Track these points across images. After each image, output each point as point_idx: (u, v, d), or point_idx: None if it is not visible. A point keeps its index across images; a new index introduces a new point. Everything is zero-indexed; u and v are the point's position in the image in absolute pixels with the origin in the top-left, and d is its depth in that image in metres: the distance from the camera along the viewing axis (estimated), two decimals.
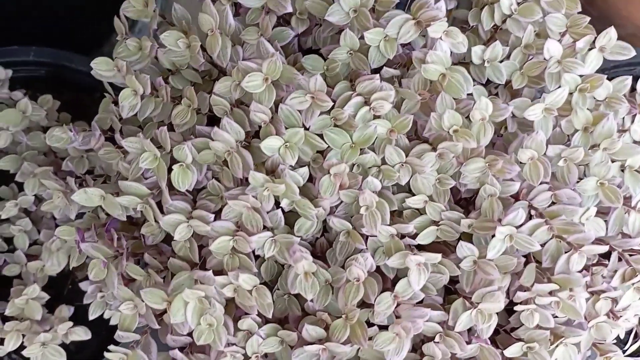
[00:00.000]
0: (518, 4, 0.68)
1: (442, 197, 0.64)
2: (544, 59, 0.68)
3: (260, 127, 0.64)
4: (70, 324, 0.72)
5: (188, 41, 0.67)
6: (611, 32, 0.67)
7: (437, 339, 0.60)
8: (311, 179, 0.65)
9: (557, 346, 0.64)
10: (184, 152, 0.62)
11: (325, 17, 0.66)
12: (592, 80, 0.68)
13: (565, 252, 0.60)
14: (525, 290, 0.61)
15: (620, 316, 0.65)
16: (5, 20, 0.98)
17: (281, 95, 0.64)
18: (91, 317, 0.68)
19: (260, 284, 0.62)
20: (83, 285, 0.68)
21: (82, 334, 0.74)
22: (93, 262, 0.65)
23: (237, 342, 0.63)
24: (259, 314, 0.63)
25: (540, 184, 0.63)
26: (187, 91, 0.66)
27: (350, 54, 0.67)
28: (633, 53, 0.69)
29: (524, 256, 0.63)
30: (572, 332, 0.64)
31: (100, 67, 0.69)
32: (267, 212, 0.63)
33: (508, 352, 0.64)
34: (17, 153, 0.80)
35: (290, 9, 0.68)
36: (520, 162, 0.63)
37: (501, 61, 0.68)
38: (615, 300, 0.64)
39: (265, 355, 0.65)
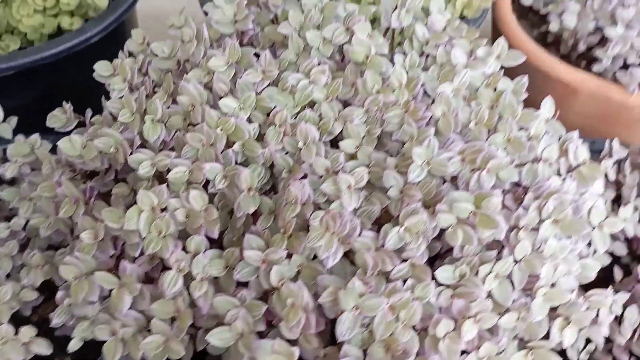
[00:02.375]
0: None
1: (371, 144, 0.76)
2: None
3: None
4: (33, 333, 0.73)
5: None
6: (502, 42, 0.87)
7: (368, 251, 0.66)
8: (262, 138, 0.78)
9: (487, 275, 0.68)
10: (155, 105, 0.77)
11: (279, 30, 0.87)
12: (494, 76, 0.85)
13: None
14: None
15: (542, 250, 0.70)
16: None
17: (239, 74, 0.81)
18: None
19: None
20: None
21: (44, 348, 0.73)
22: (65, 201, 0.74)
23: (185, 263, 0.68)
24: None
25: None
26: (165, 78, 0.84)
27: (297, 55, 0.86)
28: (523, 59, 0.88)
29: None
30: (501, 263, 0.69)
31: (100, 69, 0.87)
32: (221, 152, 0.74)
33: (440, 276, 0.68)
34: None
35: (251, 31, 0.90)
36: (435, 119, 0.77)
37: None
38: (536, 230, 0.71)
39: (212, 280, 0.69)
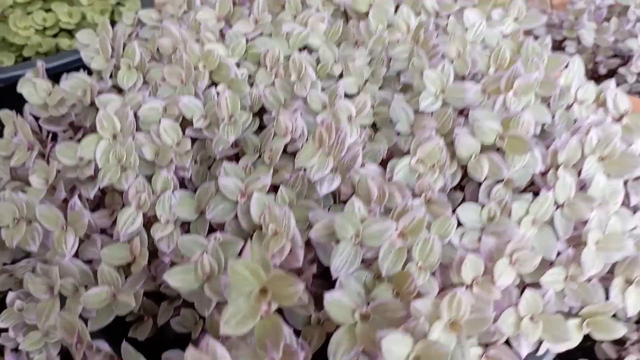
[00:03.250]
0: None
1: (376, 84, 0.66)
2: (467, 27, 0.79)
3: None
4: None
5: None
6: (520, 3, 0.80)
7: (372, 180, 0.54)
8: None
9: (522, 218, 0.55)
10: (132, 49, 0.69)
11: None
12: (514, 34, 0.77)
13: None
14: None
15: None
16: None
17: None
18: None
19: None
20: None
21: None
22: (18, 148, 0.64)
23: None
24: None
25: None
26: (151, 40, 0.77)
27: (294, 17, 0.79)
28: (543, 20, 0.80)
29: None
30: (540, 203, 0.56)
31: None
32: (202, 92, 0.65)
33: (464, 217, 0.55)
34: None
35: None
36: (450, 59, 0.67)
37: None
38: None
39: (182, 226, 0.57)
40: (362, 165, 0.56)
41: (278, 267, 0.48)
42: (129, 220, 0.54)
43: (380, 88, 0.66)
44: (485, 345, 0.51)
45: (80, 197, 0.59)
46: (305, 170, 0.55)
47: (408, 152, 0.58)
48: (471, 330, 0.43)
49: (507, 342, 0.52)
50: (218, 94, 0.63)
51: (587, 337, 0.89)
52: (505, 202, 0.56)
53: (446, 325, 0.43)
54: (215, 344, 0.41)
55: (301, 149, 0.53)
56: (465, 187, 0.63)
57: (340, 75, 0.68)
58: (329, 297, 0.44)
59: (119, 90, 0.70)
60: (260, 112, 0.67)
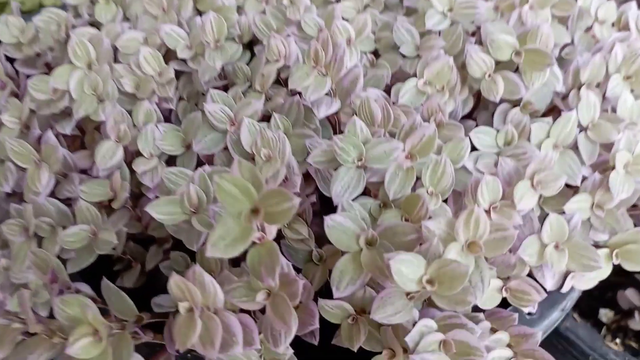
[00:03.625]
0: None
1: (377, 7, 0.60)
2: None
3: None
4: None
5: None
6: None
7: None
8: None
9: (542, 141, 0.50)
10: None
11: None
12: None
13: None
14: None
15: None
16: None
17: None
18: None
19: None
20: None
21: None
22: None
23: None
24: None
25: None
26: None
27: None
28: None
29: None
30: (561, 124, 0.51)
31: None
32: (187, 21, 0.60)
33: (478, 141, 0.50)
34: None
35: None
36: None
37: None
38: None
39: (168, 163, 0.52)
40: (365, 90, 0.51)
41: None
42: (108, 154, 0.50)
43: (381, 13, 0.61)
44: (506, 279, 0.46)
45: (57, 136, 0.54)
46: (300, 94, 0.50)
47: (414, 76, 0.53)
48: (492, 251, 0.38)
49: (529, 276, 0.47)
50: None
51: (608, 287, 0.84)
52: (524, 124, 0.51)
53: (463, 246, 0.38)
54: (202, 272, 0.36)
55: (295, 68, 0.48)
56: (477, 117, 0.58)
57: (338, 1, 0.62)
58: (330, 221, 0.40)
59: (98, 28, 0.65)
60: (251, 45, 0.62)
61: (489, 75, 0.51)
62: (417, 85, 0.51)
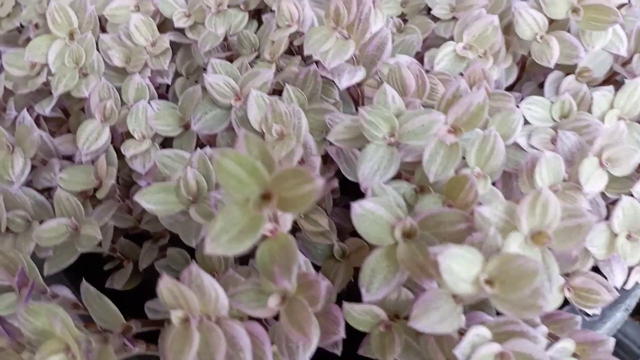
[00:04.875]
0: None
1: None
2: None
3: None
4: None
5: None
6: None
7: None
8: None
9: (606, 113, 0.43)
10: None
11: None
12: None
13: None
14: None
15: None
16: None
17: None
18: None
19: None
20: None
21: None
22: None
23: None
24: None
25: None
26: None
27: None
28: None
29: None
30: (627, 91, 0.43)
31: None
32: None
33: (529, 113, 0.43)
34: None
35: None
36: None
37: None
38: None
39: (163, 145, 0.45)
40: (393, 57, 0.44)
41: None
42: (92, 136, 0.43)
43: None
44: (566, 275, 0.39)
45: (38, 118, 0.48)
46: (317, 64, 0.43)
47: (451, 40, 0.46)
48: (563, 243, 0.31)
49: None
50: None
51: None
52: (583, 94, 0.44)
53: (527, 237, 0.31)
54: (201, 272, 0.30)
55: (311, 31, 0.41)
56: (522, 90, 0.51)
57: None
58: (359, 208, 0.33)
59: None
60: (259, 14, 0.55)
61: (541, 37, 0.44)
62: (456, 50, 0.44)
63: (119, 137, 0.46)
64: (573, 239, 0.32)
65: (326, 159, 0.44)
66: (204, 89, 0.45)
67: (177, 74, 0.53)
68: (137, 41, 0.48)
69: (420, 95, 0.41)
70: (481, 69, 0.42)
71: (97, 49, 0.48)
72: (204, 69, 0.52)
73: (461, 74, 0.44)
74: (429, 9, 0.51)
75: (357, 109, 0.47)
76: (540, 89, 0.50)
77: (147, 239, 0.48)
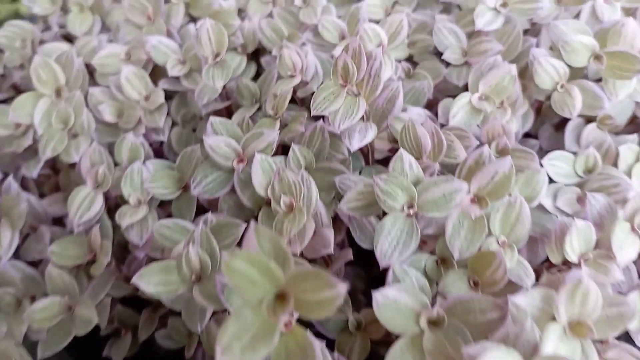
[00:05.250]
0: None
1: (408, 4, 0.51)
2: None
3: None
4: None
5: None
6: None
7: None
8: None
9: (633, 165, 0.41)
10: None
11: None
12: None
13: None
14: None
15: None
16: None
17: None
18: None
19: None
20: None
21: None
22: None
23: None
24: None
25: None
26: None
27: None
28: None
29: None
30: None
31: None
32: (178, 30, 0.50)
33: (552, 170, 0.41)
34: None
35: None
36: None
37: None
38: None
39: (161, 208, 0.42)
40: (404, 110, 0.42)
41: (299, 258, 0.34)
42: (84, 204, 0.40)
43: (413, 11, 0.51)
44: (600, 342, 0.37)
45: (24, 179, 0.45)
46: (324, 119, 0.41)
47: (465, 88, 0.43)
48: (604, 333, 0.29)
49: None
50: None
51: None
52: (607, 145, 0.41)
53: (566, 328, 0.29)
54: None
55: (319, 89, 0.38)
56: (538, 134, 0.48)
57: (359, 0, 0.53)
58: (381, 297, 0.30)
59: (72, 42, 0.55)
60: (257, 55, 0.52)
61: (562, 86, 0.41)
62: (472, 102, 0.41)
63: (113, 200, 0.43)
64: (615, 328, 0.29)
65: (335, 217, 0.41)
66: (201, 142, 0.42)
67: (172, 123, 0.50)
68: (129, 95, 0.45)
69: (437, 156, 0.38)
70: (501, 124, 0.39)
71: (87, 104, 0.45)
72: (201, 118, 0.49)
73: (478, 126, 0.42)
74: (437, 49, 0.48)
75: (367, 163, 0.45)
76: (557, 132, 0.48)
77: (146, 304, 0.46)
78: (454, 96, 0.46)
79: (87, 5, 0.54)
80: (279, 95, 0.42)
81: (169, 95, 0.51)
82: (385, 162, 0.46)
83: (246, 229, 0.37)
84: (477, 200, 0.34)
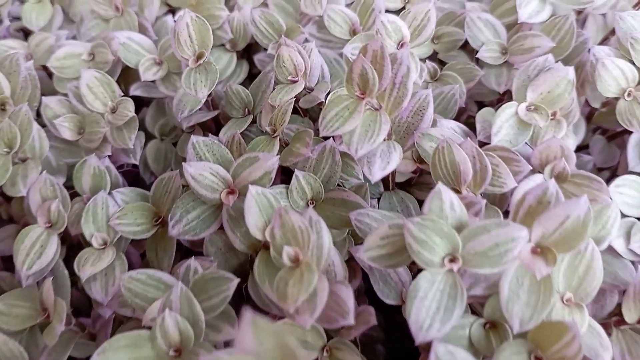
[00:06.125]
0: None
1: None
2: None
3: None
4: None
5: None
6: None
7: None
8: None
9: None
10: None
11: None
12: None
13: None
14: None
15: None
16: None
17: None
18: None
19: None
20: None
21: None
22: None
23: None
24: None
25: None
26: None
27: None
28: None
29: None
30: None
31: None
32: (152, 24, 0.42)
33: (618, 195, 0.32)
34: None
35: None
36: None
37: None
38: None
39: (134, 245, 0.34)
40: (434, 123, 0.34)
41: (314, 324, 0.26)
42: (35, 250, 0.32)
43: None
44: None
45: None
46: (334, 138, 0.33)
47: (505, 96, 0.35)
48: None
49: None
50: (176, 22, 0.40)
51: None
52: None
53: None
54: None
55: (329, 102, 0.30)
56: (590, 147, 0.40)
57: None
58: None
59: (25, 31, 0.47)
60: (249, 52, 0.44)
61: (629, 94, 0.33)
62: (519, 113, 0.33)
63: (71, 239, 0.35)
64: None
65: (349, 259, 0.33)
66: (184, 160, 0.34)
67: (148, 135, 0.42)
68: (92, 106, 0.36)
69: (479, 185, 0.31)
70: (559, 145, 0.31)
71: (39, 115, 0.37)
72: (183, 131, 0.41)
73: (526, 143, 0.34)
74: (467, 44, 0.40)
75: (386, 188, 0.37)
76: (610, 142, 0.41)
77: None
78: (490, 103, 0.38)
79: None
80: (277, 108, 0.34)
81: (143, 102, 0.43)
82: (408, 184, 0.39)
83: (240, 285, 0.29)
84: (541, 251, 0.26)
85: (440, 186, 0.27)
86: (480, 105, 0.42)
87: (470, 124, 0.40)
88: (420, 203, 0.38)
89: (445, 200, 0.27)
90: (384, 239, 0.29)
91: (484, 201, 0.29)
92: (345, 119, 0.30)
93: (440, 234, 0.27)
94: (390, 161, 0.31)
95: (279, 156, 0.32)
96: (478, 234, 0.26)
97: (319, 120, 0.30)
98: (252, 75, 0.44)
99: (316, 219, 0.28)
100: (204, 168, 0.31)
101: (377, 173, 0.30)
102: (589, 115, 0.40)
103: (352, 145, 0.29)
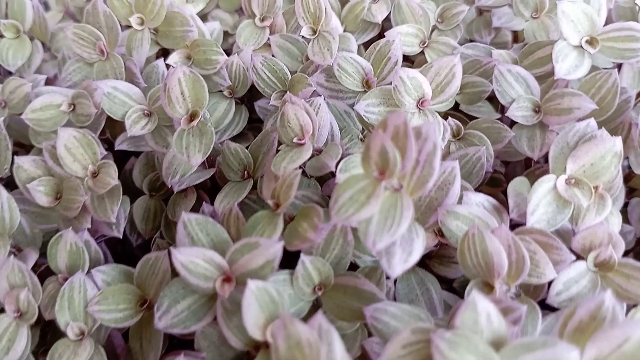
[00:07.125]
0: None
1: (451, 31, 0.39)
2: None
3: None
4: None
5: None
6: None
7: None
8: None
9: None
10: (21, 3, 0.41)
11: None
12: None
13: None
14: None
15: None
16: None
17: None
18: None
19: None
20: None
21: None
22: None
23: None
24: None
25: None
26: None
27: None
28: None
29: None
30: None
31: None
32: (141, 70, 0.37)
33: None
34: None
35: None
36: None
37: None
38: None
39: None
40: (460, 199, 0.30)
41: None
42: (2, 346, 0.28)
43: (460, 43, 0.39)
44: None
45: None
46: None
47: (541, 165, 0.31)
48: None
49: None
50: (168, 68, 0.36)
51: None
52: None
53: None
54: None
55: (342, 184, 0.26)
56: (628, 210, 0.37)
57: (386, 20, 0.40)
58: None
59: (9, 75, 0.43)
60: (249, 99, 0.40)
61: None
62: (557, 188, 0.29)
63: (44, 326, 0.31)
64: None
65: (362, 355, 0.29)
66: (170, 250, 0.30)
67: (136, 191, 0.38)
68: (70, 169, 0.32)
69: (514, 278, 0.27)
70: (608, 232, 0.27)
71: (12, 175, 0.33)
72: (174, 192, 0.37)
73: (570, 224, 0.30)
74: (494, 98, 0.36)
75: None
76: None
77: None
78: (518, 166, 0.34)
79: (25, 29, 0.41)
80: (282, 179, 0.30)
81: (130, 153, 0.39)
82: (427, 256, 0.35)
83: None
84: None
85: (475, 295, 0.23)
86: (506, 163, 0.38)
87: (495, 181, 0.37)
88: (441, 280, 0.34)
89: (480, 312, 0.23)
90: (406, 347, 0.25)
91: (525, 307, 0.25)
92: (361, 204, 0.26)
93: (475, 353, 0.23)
94: (412, 251, 0.26)
95: (282, 242, 0.27)
96: (520, 353, 0.22)
97: (330, 202, 0.26)
98: (253, 120, 0.41)
99: (327, 329, 0.24)
100: (196, 255, 0.27)
101: (398, 267, 0.26)
102: (626, 178, 0.36)
103: (369, 237, 0.25)
